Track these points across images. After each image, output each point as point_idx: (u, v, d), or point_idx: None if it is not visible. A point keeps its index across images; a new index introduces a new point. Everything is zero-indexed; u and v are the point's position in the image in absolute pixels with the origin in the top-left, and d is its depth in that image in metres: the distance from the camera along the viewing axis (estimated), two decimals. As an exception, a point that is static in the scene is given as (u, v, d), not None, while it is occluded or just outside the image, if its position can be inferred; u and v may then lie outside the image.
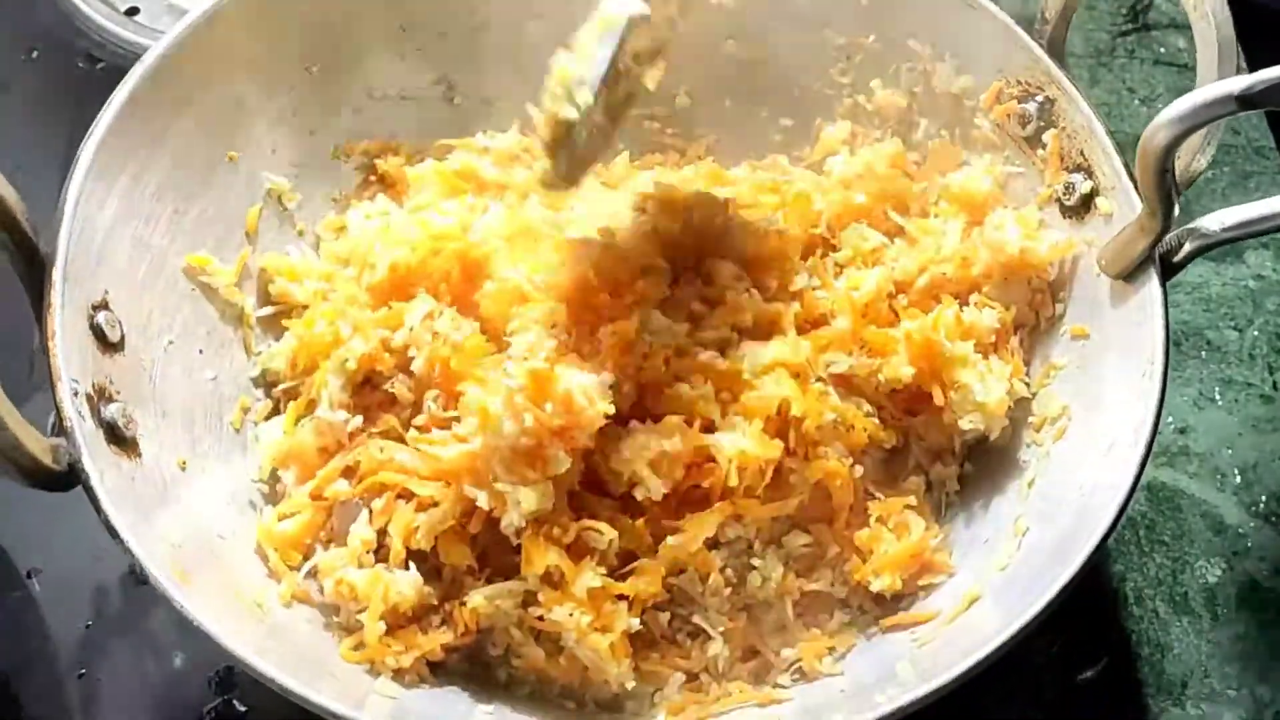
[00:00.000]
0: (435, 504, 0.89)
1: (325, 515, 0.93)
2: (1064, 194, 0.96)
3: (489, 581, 0.90)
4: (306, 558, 0.93)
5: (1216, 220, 0.87)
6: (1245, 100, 0.77)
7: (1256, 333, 1.14)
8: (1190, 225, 0.88)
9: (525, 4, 1.08)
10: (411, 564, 0.89)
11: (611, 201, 1.01)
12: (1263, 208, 0.86)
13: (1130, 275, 0.90)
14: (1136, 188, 0.90)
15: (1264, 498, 1.06)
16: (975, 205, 1.01)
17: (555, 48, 1.08)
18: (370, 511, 0.91)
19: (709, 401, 0.92)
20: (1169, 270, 0.89)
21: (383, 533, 0.91)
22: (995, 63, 0.99)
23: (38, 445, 0.78)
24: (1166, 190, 0.85)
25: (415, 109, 1.10)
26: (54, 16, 1.28)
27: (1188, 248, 0.88)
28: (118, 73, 0.95)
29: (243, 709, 0.96)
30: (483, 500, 0.87)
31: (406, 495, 0.91)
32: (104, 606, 1.00)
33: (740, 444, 0.89)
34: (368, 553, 0.90)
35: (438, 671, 0.90)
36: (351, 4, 1.04)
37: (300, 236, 1.06)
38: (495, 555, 0.91)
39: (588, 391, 0.87)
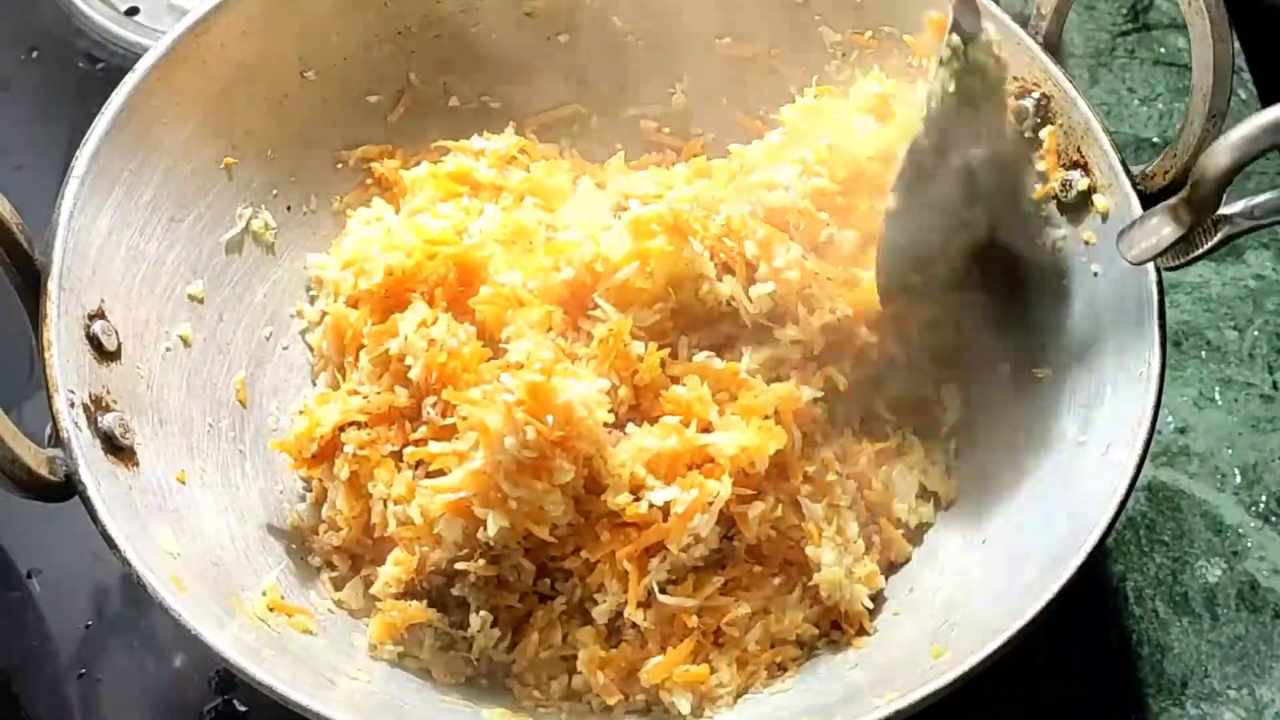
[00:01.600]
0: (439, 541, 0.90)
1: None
2: (1061, 191, 0.96)
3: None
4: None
5: (1244, 205, 0.84)
6: None
7: (1256, 333, 1.13)
8: (1221, 213, 0.85)
9: (518, 4, 1.08)
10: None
11: (605, 202, 1.01)
12: None
13: (1113, 264, 0.90)
14: (1134, 184, 0.90)
15: (1264, 498, 1.06)
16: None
17: (549, 46, 1.09)
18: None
19: (705, 403, 0.92)
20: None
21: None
22: (991, 59, 0.99)
23: (34, 457, 0.78)
24: (1216, 204, 0.82)
25: (412, 112, 1.10)
26: (54, 16, 1.28)
27: (1219, 235, 0.85)
28: (118, 73, 0.95)
29: (243, 709, 0.96)
30: (493, 522, 0.87)
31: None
32: (104, 606, 1.00)
33: (739, 441, 0.89)
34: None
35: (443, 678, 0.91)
36: (347, 9, 1.04)
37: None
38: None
39: (587, 402, 0.87)
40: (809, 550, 0.91)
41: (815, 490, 0.93)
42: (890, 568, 0.96)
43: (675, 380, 0.93)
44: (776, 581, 0.92)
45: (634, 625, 0.90)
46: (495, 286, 0.96)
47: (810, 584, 0.92)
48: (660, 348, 0.92)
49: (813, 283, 0.95)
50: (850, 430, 0.98)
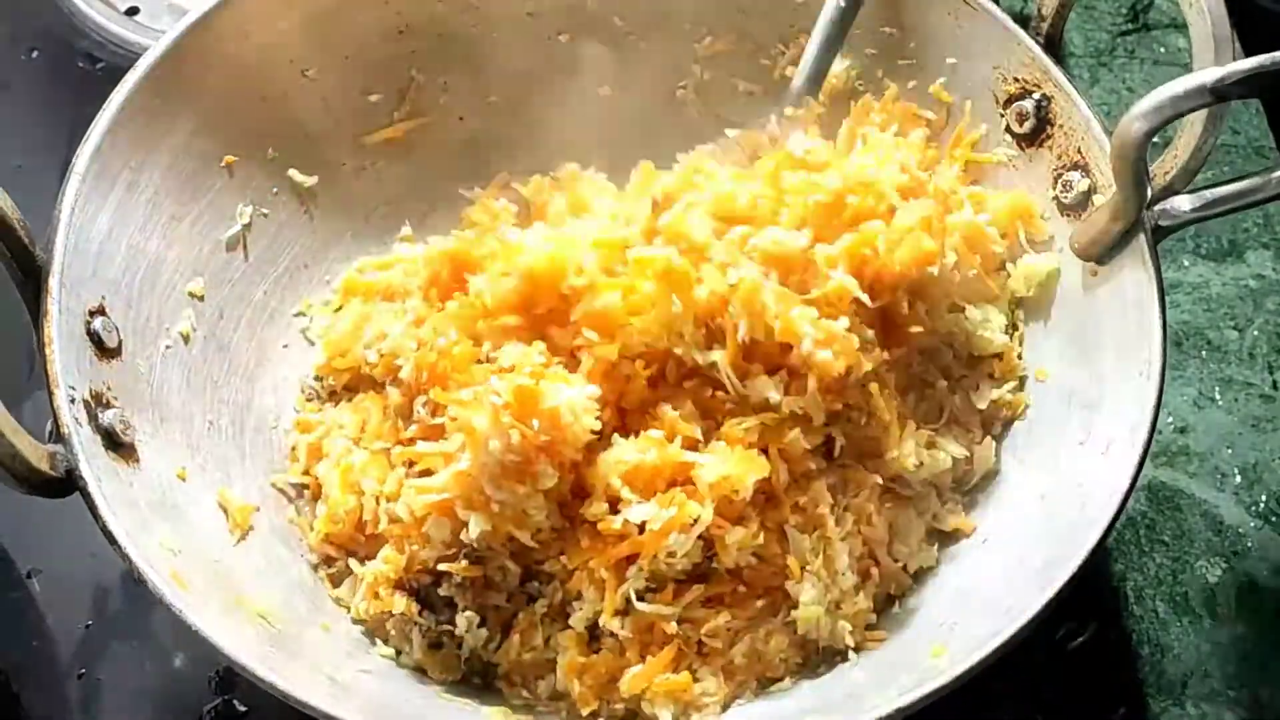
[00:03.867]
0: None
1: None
2: (1062, 191, 0.96)
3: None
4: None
5: (1185, 201, 0.89)
6: (1219, 91, 0.78)
7: (1256, 333, 1.13)
8: (1160, 207, 0.89)
9: (519, 3, 1.08)
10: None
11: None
12: (1230, 188, 0.87)
13: (1114, 265, 0.91)
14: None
15: (1264, 498, 1.05)
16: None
17: (550, 46, 1.08)
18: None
19: (691, 420, 0.90)
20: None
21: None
22: (992, 60, 0.99)
23: (35, 452, 0.78)
24: (1140, 178, 0.86)
25: (415, 111, 1.09)
26: (54, 16, 1.28)
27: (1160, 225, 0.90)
28: (118, 73, 0.95)
29: (243, 709, 0.96)
30: (474, 524, 0.86)
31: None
32: (104, 606, 1.00)
33: (721, 470, 0.87)
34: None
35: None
36: (347, 7, 1.04)
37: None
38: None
39: (574, 408, 0.87)
40: (789, 586, 0.89)
41: (805, 521, 0.91)
42: (888, 600, 0.94)
43: (664, 400, 0.91)
44: (760, 604, 0.90)
45: (612, 633, 0.89)
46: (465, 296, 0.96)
47: (789, 619, 0.90)
48: (648, 365, 0.91)
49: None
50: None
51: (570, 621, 0.90)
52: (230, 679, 0.97)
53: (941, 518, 0.95)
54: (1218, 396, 1.11)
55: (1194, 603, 1.02)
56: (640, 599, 0.88)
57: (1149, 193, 0.87)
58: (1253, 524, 1.04)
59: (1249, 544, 1.04)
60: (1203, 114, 0.86)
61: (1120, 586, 1.02)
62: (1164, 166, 0.90)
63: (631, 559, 0.88)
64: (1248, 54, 0.80)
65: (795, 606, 0.89)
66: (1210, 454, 1.08)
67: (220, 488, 0.92)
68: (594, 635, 0.91)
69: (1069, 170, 0.96)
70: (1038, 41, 0.97)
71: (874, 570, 0.93)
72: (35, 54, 1.29)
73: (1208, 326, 1.14)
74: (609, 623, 0.88)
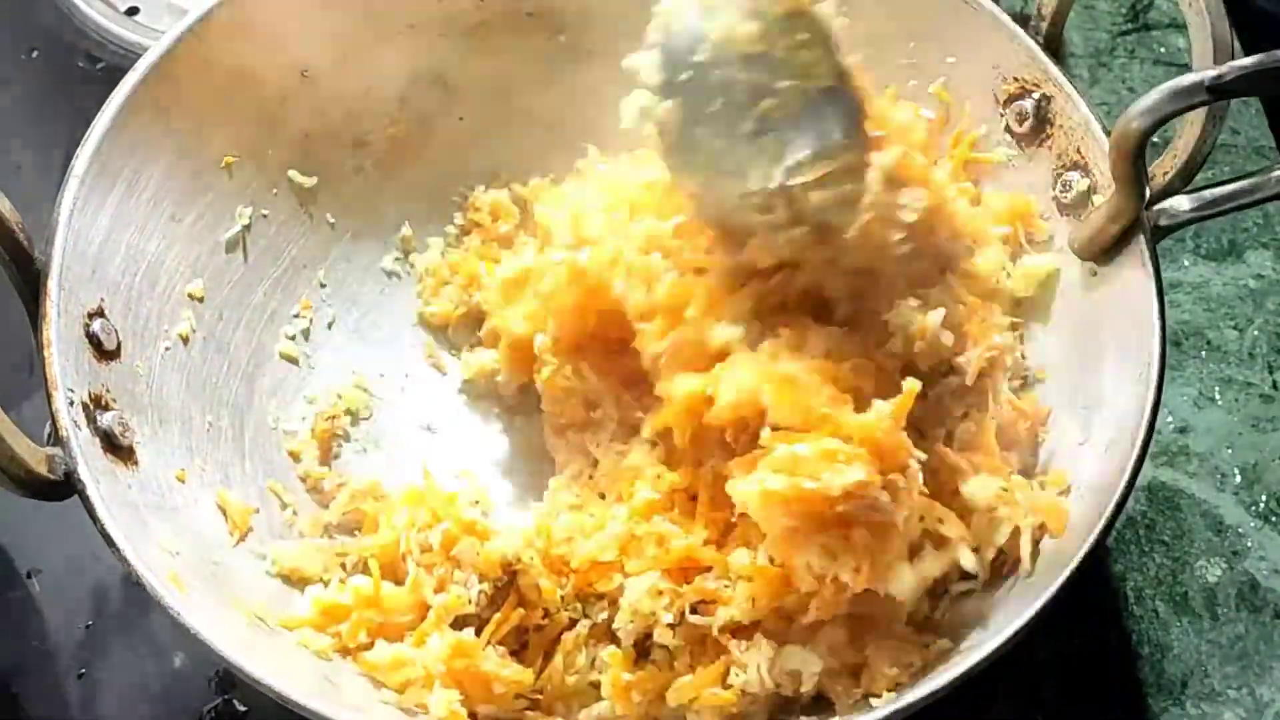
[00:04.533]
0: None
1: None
2: (1061, 191, 0.96)
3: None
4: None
5: (1185, 201, 0.89)
6: (1217, 89, 0.78)
7: (1256, 333, 1.13)
8: (1159, 207, 0.89)
9: (519, 3, 1.08)
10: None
11: None
12: (1229, 188, 0.88)
13: (1113, 265, 0.91)
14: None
15: (1264, 498, 1.05)
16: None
17: (550, 46, 1.08)
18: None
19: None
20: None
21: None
22: (992, 59, 0.99)
23: (33, 455, 0.78)
24: (1139, 177, 0.86)
25: (413, 109, 1.10)
26: (54, 16, 1.28)
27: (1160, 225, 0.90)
28: (118, 73, 0.95)
29: (243, 709, 0.96)
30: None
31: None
32: (104, 606, 1.00)
33: (743, 561, 0.86)
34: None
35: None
36: (347, 7, 1.04)
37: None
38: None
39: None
40: None
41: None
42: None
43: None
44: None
45: (663, 645, 0.88)
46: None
47: None
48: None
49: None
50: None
51: (617, 633, 0.88)
52: (230, 679, 0.97)
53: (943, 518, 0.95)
54: (1218, 396, 1.10)
55: (1194, 603, 1.01)
56: (694, 611, 0.87)
57: (1148, 192, 0.87)
58: (1253, 524, 1.04)
59: (1249, 544, 1.04)
60: (1202, 114, 0.87)
61: (1120, 586, 1.02)
62: (1163, 166, 0.90)
63: (693, 570, 0.87)
64: (1247, 55, 0.80)
65: None
66: (1210, 454, 1.07)
67: (219, 489, 0.92)
68: (640, 653, 0.89)
69: (1069, 170, 0.96)
70: (1037, 41, 0.96)
71: None
72: (35, 54, 1.29)
73: (1208, 326, 1.14)
74: (661, 635, 0.87)
